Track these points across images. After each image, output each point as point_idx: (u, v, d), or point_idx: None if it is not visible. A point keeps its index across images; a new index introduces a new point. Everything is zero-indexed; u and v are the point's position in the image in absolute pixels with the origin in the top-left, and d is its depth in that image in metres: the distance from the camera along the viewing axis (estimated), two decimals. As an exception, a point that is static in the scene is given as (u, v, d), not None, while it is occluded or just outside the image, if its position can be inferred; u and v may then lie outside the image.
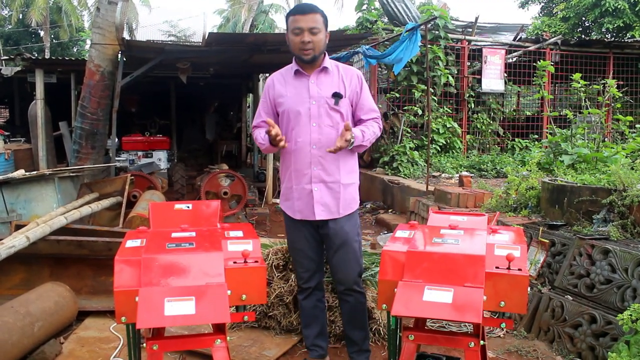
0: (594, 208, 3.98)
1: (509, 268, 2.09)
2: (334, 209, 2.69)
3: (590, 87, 5.97)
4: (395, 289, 2.07)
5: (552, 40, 10.32)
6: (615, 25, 14.71)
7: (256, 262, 2.21)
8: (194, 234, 2.38)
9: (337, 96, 2.64)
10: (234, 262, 2.19)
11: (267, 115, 2.76)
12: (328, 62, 2.72)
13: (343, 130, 2.54)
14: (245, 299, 2.17)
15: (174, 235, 2.36)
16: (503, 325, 2.14)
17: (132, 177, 6.59)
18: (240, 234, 2.42)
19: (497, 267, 2.10)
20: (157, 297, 1.95)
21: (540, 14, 18.70)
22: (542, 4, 18.94)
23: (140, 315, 1.90)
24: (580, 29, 16.31)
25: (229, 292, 2.06)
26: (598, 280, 3.31)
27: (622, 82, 6.59)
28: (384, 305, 2.18)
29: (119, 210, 5.82)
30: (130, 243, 2.27)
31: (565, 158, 4.93)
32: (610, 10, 14.67)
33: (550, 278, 3.73)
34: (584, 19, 16.07)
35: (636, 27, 14.67)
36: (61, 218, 4.22)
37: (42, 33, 29.34)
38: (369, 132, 2.66)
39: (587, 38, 11.98)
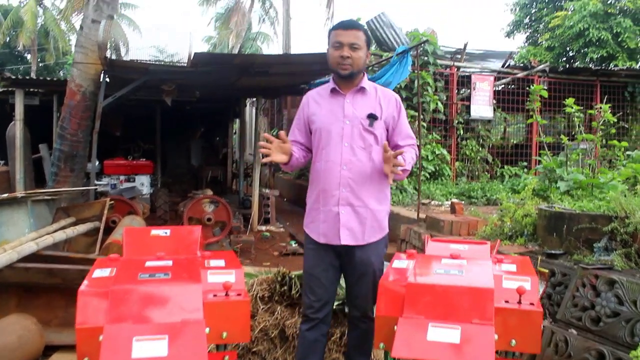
0: (594, 236, 3.81)
1: (519, 302, 1.89)
2: (359, 234, 2.55)
3: (583, 112, 5.90)
4: (395, 327, 1.85)
5: (540, 67, 10.35)
6: (599, 55, 14.94)
7: (239, 295, 1.99)
8: (170, 262, 2.15)
9: (372, 117, 2.54)
10: (214, 295, 1.96)
11: (300, 133, 2.69)
12: (366, 82, 2.62)
13: (386, 155, 2.42)
14: (226, 337, 1.94)
15: (148, 264, 2.13)
16: (514, 366, 1.93)
17: (112, 202, 6.32)
18: (221, 263, 2.19)
19: (506, 302, 1.90)
20: (125, 335, 1.71)
21: (526, 43, 18.97)
22: (528, 34, 19.24)
23: (103, 357, 1.65)
24: (565, 58, 16.54)
25: (207, 329, 1.83)
26: (604, 313, 3.11)
27: (610, 110, 6.57)
28: (382, 344, 1.96)
29: (96, 236, 5.55)
30: (98, 273, 2.04)
31: (561, 184, 4.79)
32: (594, 40, 14.92)
33: (552, 310, 3.52)
34: (568, 48, 16.31)
35: (619, 57, 14.93)
36: (31, 244, 3.95)
37: (28, 56, 29.14)
38: (409, 158, 2.55)
39: (575, 66, 12.06)
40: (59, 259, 4.08)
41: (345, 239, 2.52)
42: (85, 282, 1.94)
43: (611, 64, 14.31)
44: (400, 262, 2.21)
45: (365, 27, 2.59)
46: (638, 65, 15.07)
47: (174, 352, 1.69)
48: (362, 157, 2.53)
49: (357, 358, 2.73)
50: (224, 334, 1.93)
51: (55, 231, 4.76)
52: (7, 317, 3.32)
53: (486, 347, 1.71)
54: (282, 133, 2.50)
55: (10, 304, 3.77)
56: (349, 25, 2.53)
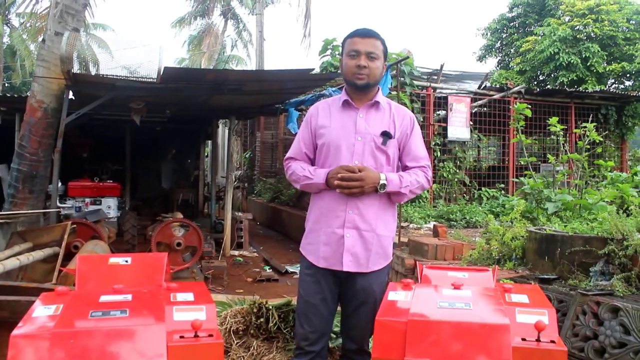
0: (589, 259, 3.62)
1: (538, 340, 1.63)
2: (363, 261, 2.29)
3: (563, 133, 5.79)
4: (397, 373, 1.57)
5: (516, 89, 10.36)
6: (570, 78, 15.21)
7: (210, 336, 1.68)
8: (129, 297, 1.84)
9: (386, 135, 2.33)
10: (181, 337, 1.65)
11: (306, 146, 2.44)
12: (381, 97, 2.41)
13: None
14: (194, 388, 1.62)
15: (103, 298, 1.81)
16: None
17: (74, 226, 5.90)
18: (190, 297, 1.88)
19: (523, 339, 1.63)
20: (68, 391, 1.38)
21: (497, 67, 19.24)
22: (499, 58, 19.54)
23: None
24: (536, 82, 16.78)
25: (171, 380, 1.51)
26: (609, 343, 2.88)
27: (585, 132, 6.55)
28: (380, 392, 1.66)
29: (55, 263, 5.12)
30: (40, 311, 1.70)
31: (549, 206, 4.62)
32: (564, 64, 15.21)
33: (549, 340, 3.29)
34: (539, 72, 16.58)
35: (588, 81, 15.23)
36: (-23, 273, 3.54)
37: (-7, 76, 28.29)
38: (411, 179, 2.33)
39: (550, 88, 12.18)
40: (7, 289, 3.67)
41: (348, 265, 2.28)
42: (21, 323, 1.59)
43: (581, 87, 14.56)
44: (397, 294, 1.93)
45: (383, 39, 2.38)
46: (610, 88, 15.39)
47: (129, 411, 1.37)
48: None
49: None
50: (192, 384, 1.61)
51: (7, 258, 4.34)
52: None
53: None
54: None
55: (-50, 341, 3.34)
56: (367, 34, 2.34)
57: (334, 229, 2.29)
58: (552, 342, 1.63)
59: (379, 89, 2.42)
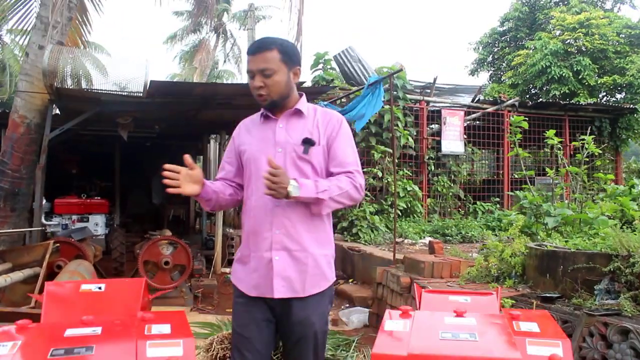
0: (592, 277, 3.46)
1: (553, 376, 1.45)
2: (298, 285, 2.06)
3: (558, 146, 5.68)
4: (397, 416, 1.39)
5: (509, 102, 10.30)
6: (562, 91, 15.22)
7: (187, 376, 1.50)
8: (99, 330, 1.65)
9: (307, 143, 2.09)
10: (153, 378, 1.47)
11: (231, 165, 2.27)
12: (303, 104, 2.19)
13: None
14: None
15: (68, 332, 1.63)
16: None
17: (57, 244, 5.68)
18: (167, 329, 1.70)
19: (537, 376, 1.46)
20: None
21: (490, 81, 19.27)
22: (491, 72, 19.58)
23: None
24: (528, 95, 16.79)
25: None
26: (619, 368, 2.72)
27: (580, 144, 6.48)
28: None
29: (35, 284, 4.91)
30: (-6, 349, 1.51)
31: (548, 220, 4.47)
32: (556, 77, 15.23)
33: (553, 364, 3.12)
34: (531, 85, 16.59)
35: (580, 94, 15.24)
36: (-53, 298, 3.33)
37: (-19, 92, 28.07)
38: (330, 185, 2.03)
39: (544, 101, 12.13)
40: (-19, 315, 3.46)
41: (280, 292, 2.05)
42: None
43: (573, 100, 14.56)
44: (394, 323, 1.76)
45: (280, 45, 2.12)
46: (602, 101, 15.39)
47: None
48: None
49: None
50: None
51: (-17, 280, 4.13)
52: None
53: None
54: (188, 157, 2.04)
55: None
56: (256, 50, 2.11)
57: (262, 252, 2.08)
58: (569, 378, 1.47)
59: (302, 95, 2.23)
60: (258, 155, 2.12)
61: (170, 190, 2.02)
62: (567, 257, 3.61)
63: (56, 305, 1.89)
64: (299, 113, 2.16)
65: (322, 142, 2.13)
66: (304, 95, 2.23)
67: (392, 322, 1.78)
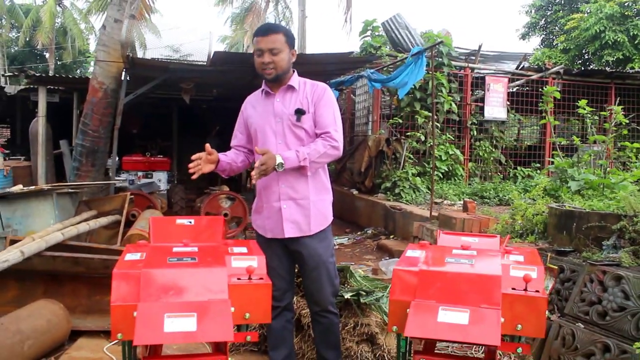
0: (603, 234, 3.89)
1: (525, 289, 1.99)
2: (305, 226, 2.67)
3: (596, 114, 5.96)
4: (408, 310, 1.97)
5: (554, 69, 10.37)
6: (615, 57, 14.88)
7: (261, 279, 2.12)
8: (196, 249, 2.29)
9: (299, 112, 2.64)
10: (238, 279, 2.09)
11: (241, 134, 2.85)
12: (295, 80, 2.72)
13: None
14: (248, 318, 2.07)
15: (175, 249, 2.27)
16: (519, 350, 2.03)
17: (132, 196, 6.51)
18: (244, 250, 2.33)
19: (513, 289, 2.00)
20: (157, 312, 1.85)
21: (541, 46, 18.92)
22: (543, 36, 19.18)
23: (138, 331, 1.79)
24: (580, 61, 16.48)
25: (232, 309, 1.96)
26: (611, 307, 3.20)
27: (624, 112, 6.58)
28: (395, 327, 2.07)
29: (117, 229, 5.72)
30: (129, 256, 2.17)
31: (572, 184, 4.86)
32: (610, 42, 14.85)
33: (560, 305, 3.61)
34: (584, 51, 16.26)
35: (636, 60, 14.84)
36: (57, 234, 4.12)
37: (47, 55, 29.64)
38: (309, 151, 2.55)
39: (590, 68, 12.03)
40: (83, 249, 4.24)
41: (289, 232, 2.65)
42: (117, 265, 2.07)
43: (627, 67, 14.25)
44: (413, 252, 2.32)
45: (285, 30, 2.67)
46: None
47: (202, 328, 1.83)
48: None
49: (326, 352, 2.81)
50: (247, 315, 2.06)
51: (78, 223, 4.94)
52: (37, 302, 3.49)
53: (493, 328, 1.82)
54: (207, 146, 2.63)
55: (37, 291, 3.94)
56: (266, 31, 2.60)
57: (272, 203, 2.67)
58: (537, 291, 1.99)
59: (293, 72, 2.70)
60: (262, 125, 2.70)
61: (193, 172, 2.59)
62: (582, 217, 4.03)
63: (160, 233, 2.54)
64: (291, 88, 2.70)
65: (311, 109, 2.67)
66: (295, 71, 2.76)
67: (412, 251, 2.34)
